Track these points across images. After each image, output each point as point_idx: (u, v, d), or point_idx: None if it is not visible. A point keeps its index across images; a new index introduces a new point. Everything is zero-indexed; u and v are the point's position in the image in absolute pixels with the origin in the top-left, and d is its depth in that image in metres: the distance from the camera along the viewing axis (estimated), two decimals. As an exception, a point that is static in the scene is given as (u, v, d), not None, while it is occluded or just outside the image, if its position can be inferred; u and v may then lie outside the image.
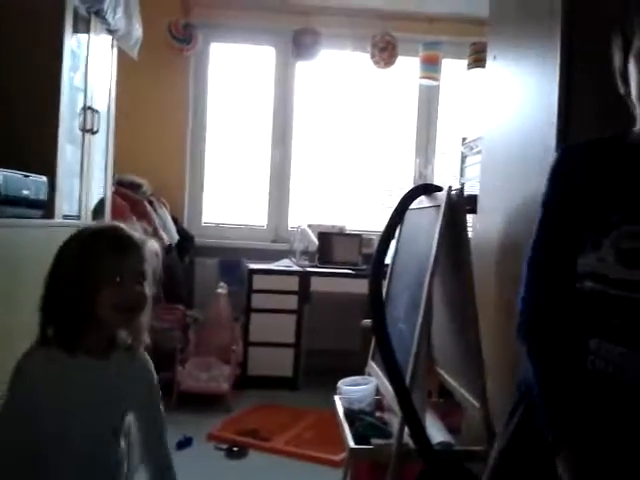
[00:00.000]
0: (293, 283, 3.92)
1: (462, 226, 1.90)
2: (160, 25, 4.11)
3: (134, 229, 1.33)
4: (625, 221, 1.08)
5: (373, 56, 4.33)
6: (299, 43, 4.34)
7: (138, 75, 3.95)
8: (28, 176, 2.12)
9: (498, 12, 2.35)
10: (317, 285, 3.94)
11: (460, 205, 1.89)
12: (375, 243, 4.32)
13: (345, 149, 4.62)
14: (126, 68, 3.35)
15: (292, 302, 3.91)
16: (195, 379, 3.44)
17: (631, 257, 1.06)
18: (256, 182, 4.60)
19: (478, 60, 4.16)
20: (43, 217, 2.22)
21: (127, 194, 3.53)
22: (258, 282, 3.92)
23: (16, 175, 2.04)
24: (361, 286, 3.83)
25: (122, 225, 1.34)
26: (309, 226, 4.24)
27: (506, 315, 1.77)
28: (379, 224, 4.34)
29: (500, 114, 2.14)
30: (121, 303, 1.25)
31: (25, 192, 2.09)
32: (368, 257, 4.20)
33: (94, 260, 1.25)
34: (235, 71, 4.58)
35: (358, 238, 4.29)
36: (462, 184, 3.43)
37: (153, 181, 3.99)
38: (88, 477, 1.27)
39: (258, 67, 4.59)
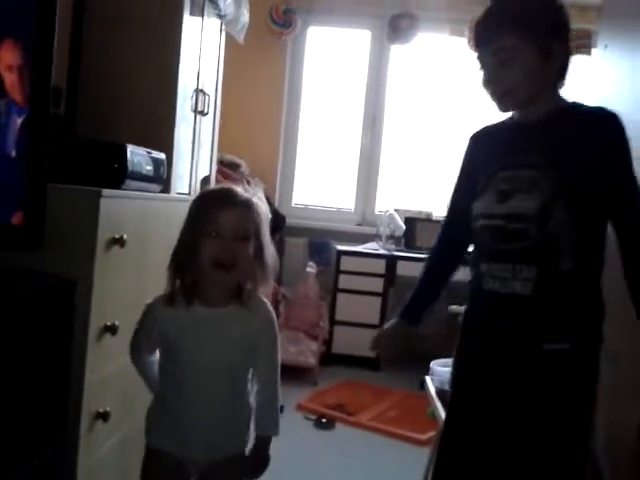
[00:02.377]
0: (379, 266, 4.00)
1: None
2: (260, 10, 4.22)
3: (246, 191, 1.38)
4: (500, 169, 1.42)
5: (470, 40, 4.29)
6: (395, 26, 4.35)
7: (238, 59, 4.08)
8: (150, 153, 2.26)
9: (612, 1, 2.31)
10: (403, 269, 3.99)
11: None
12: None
13: (436, 135, 4.61)
14: (228, 51, 3.47)
15: (378, 285, 3.99)
16: (284, 351, 3.57)
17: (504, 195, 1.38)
18: (345, 166, 4.68)
19: (578, 47, 4.06)
20: (161, 193, 2.36)
21: (227, 173, 3.70)
22: (346, 263, 4.02)
23: (141, 151, 2.18)
24: (447, 273, 3.87)
25: (234, 186, 1.38)
26: (396, 211, 4.29)
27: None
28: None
29: (610, 104, 2.11)
30: (216, 259, 1.28)
31: (147, 168, 2.23)
32: (454, 244, 4.20)
33: (197, 214, 1.32)
34: (330, 55, 4.66)
35: (445, 225, 4.29)
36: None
37: (248, 162, 4.15)
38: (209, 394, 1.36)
39: (353, 51, 4.65)
